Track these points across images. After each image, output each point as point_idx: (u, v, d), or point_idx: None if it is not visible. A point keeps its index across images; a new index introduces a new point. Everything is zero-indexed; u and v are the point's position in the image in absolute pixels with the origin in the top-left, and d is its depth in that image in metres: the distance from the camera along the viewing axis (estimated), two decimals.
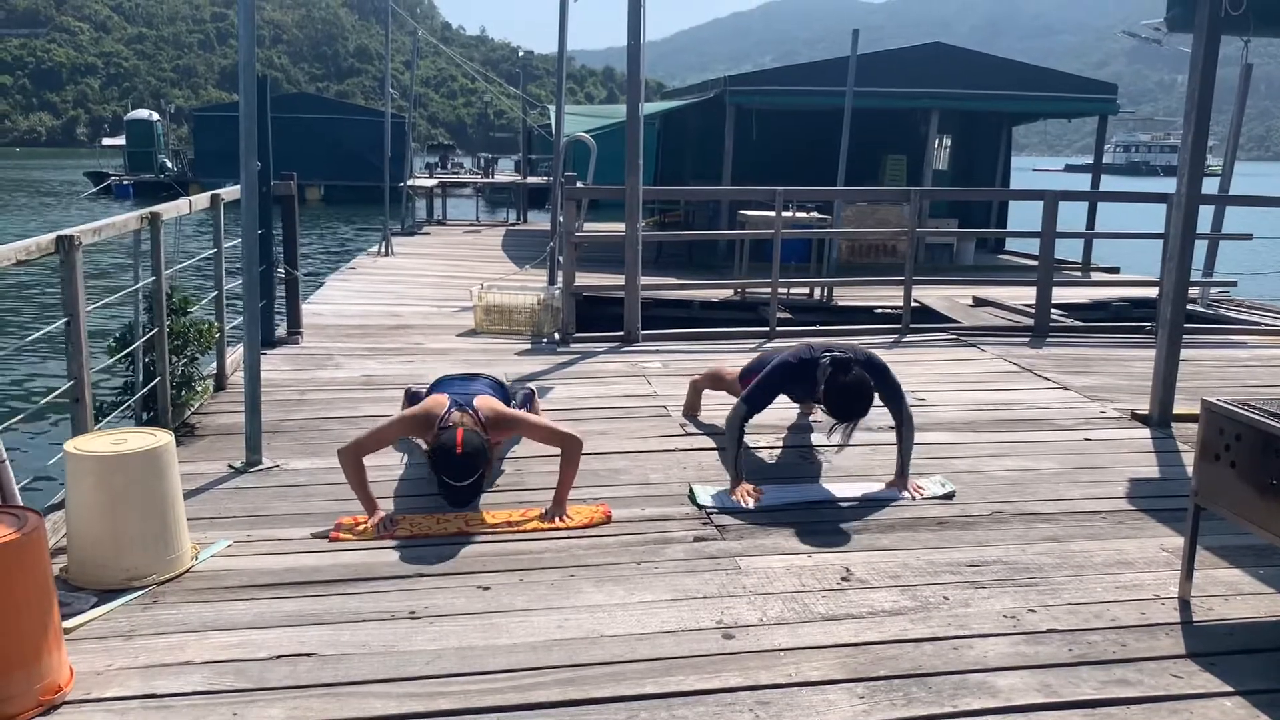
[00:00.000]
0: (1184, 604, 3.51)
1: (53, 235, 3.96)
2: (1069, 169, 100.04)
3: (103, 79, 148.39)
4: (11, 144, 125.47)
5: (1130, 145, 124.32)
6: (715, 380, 5.68)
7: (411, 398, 5.06)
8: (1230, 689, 2.97)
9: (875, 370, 4.59)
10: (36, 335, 4.79)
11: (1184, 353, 6.06)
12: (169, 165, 43.54)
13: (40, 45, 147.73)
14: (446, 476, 4.06)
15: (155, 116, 47.35)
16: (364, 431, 4.30)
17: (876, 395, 4.55)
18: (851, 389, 4.41)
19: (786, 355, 4.80)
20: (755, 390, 4.77)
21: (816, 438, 5.43)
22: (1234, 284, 10.70)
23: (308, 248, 22.38)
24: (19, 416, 4.64)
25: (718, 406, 5.80)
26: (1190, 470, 3.57)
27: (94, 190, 40.16)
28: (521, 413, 4.63)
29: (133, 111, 51.03)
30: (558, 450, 4.32)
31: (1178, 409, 5.80)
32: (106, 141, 56.39)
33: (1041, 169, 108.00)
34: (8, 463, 3.40)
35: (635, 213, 8.00)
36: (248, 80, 4.52)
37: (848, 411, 4.45)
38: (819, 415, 5.60)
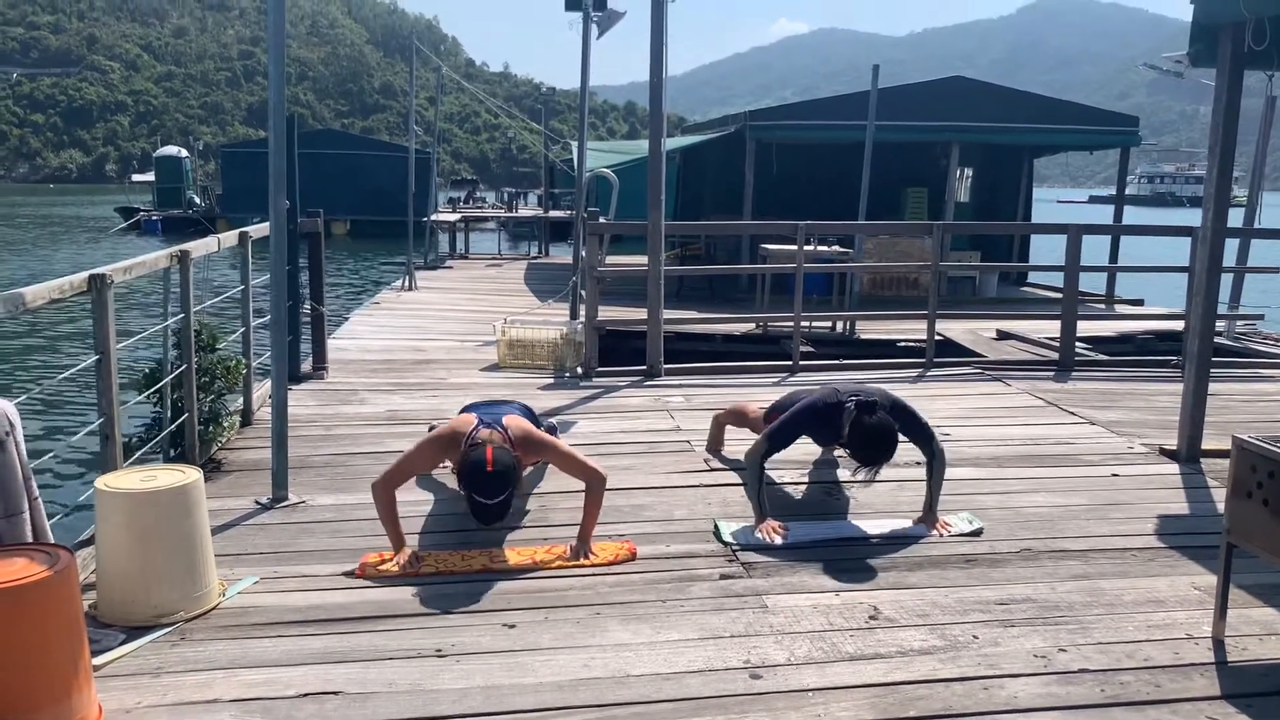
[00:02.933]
0: (1218, 644, 3.46)
1: (85, 274, 4.02)
2: (1093, 200, 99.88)
3: (132, 116, 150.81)
4: (43, 180, 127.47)
5: (1155, 176, 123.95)
6: (739, 418, 5.66)
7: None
8: None
9: (901, 414, 4.58)
10: (67, 373, 4.84)
11: (1211, 386, 6.00)
12: (197, 201, 44.03)
13: (72, 84, 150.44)
14: (476, 494, 4.02)
15: (184, 153, 47.97)
16: (393, 463, 4.29)
17: (904, 437, 4.53)
18: (876, 433, 4.38)
19: (812, 398, 4.78)
20: (778, 430, 4.76)
21: (842, 473, 5.40)
22: (1261, 317, 10.62)
23: (334, 282, 22.56)
24: (51, 453, 4.69)
25: (742, 442, 5.77)
26: (1221, 507, 3.53)
27: (123, 225, 40.68)
28: (550, 438, 4.61)
29: (162, 148, 51.76)
30: (582, 485, 4.31)
31: (1206, 444, 5.74)
32: (136, 178, 57.23)
33: (1066, 200, 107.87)
34: (40, 499, 3.43)
35: (658, 247, 8.03)
36: (277, 120, 4.58)
37: (872, 457, 4.43)
38: (843, 453, 5.59)
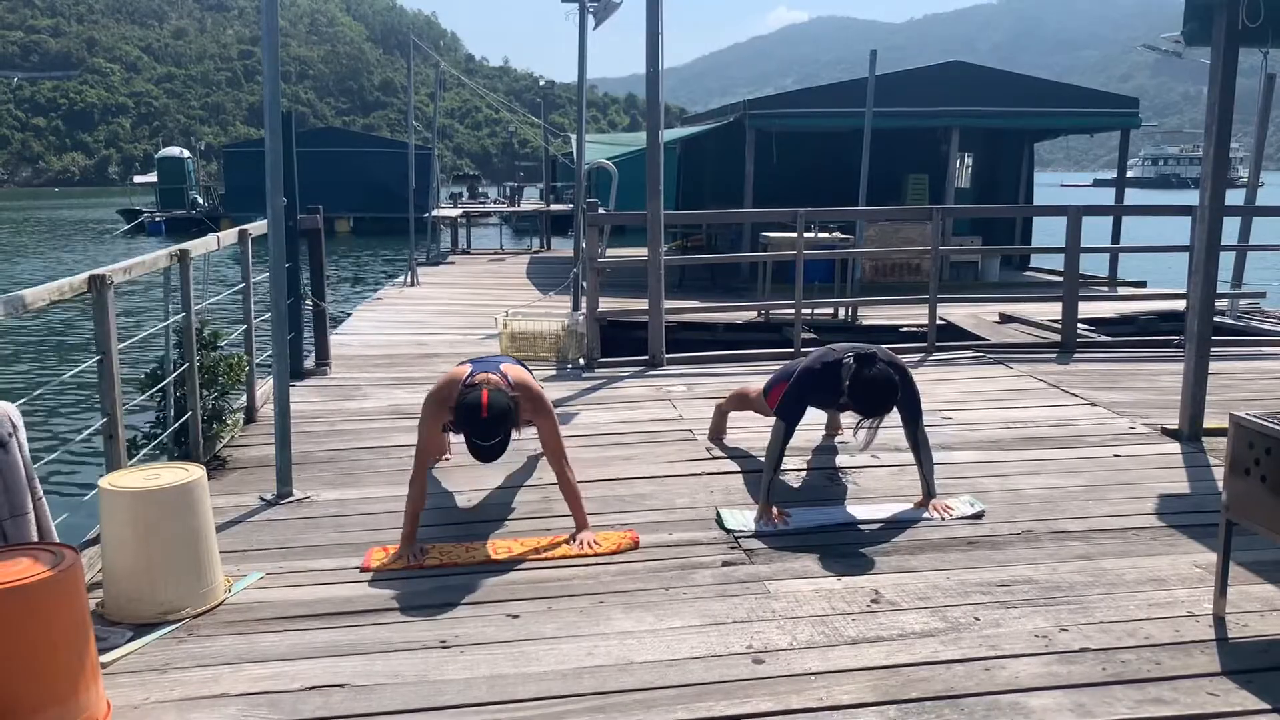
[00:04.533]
0: (1219, 621, 3.48)
1: (85, 275, 4.04)
2: (1097, 183, 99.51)
3: (133, 118, 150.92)
4: (46, 184, 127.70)
5: (1159, 158, 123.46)
6: (740, 401, 5.66)
7: None
8: (1268, 706, 2.93)
9: (898, 370, 4.55)
10: (69, 374, 4.87)
11: (1214, 365, 6.00)
12: (200, 201, 44.10)
13: (72, 87, 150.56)
14: (473, 435, 3.95)
15: (186, 154, 48.04)
16: (416, 452, 4.25)
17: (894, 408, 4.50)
18: (877, 381, 4.35)
19: (808, 362, 4.77)
20: (785, 406, 4.75)
21: (843, 459, 5.42)
22: (1263, 295, 10.60)
23: (336, 279, 22.60)
24: (54, 454, 4.72)
25: (744, 430, 5.82)
26: (1221, 485, 3.54)
27: (127, 227, 40.76)
28: (549, 401, 4.50)
29: (164, 149, 51.82)
30: (580, 477, 4.31)
31: (1208, 423, 5.74)
32: (138, 179, 57.28)
33: (1070, 184, 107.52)
34: (44, 499, 3.46)
35: (657, 237, 8.04)
36: (273, 117, 4.60)
37: (874, 405, 4.40)
38: (846, 436, 5.60)
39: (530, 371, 4.63)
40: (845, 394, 4.46)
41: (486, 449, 3.98)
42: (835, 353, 4.65)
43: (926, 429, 4.72)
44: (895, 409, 4.52)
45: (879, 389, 4.37)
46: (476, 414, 3.93)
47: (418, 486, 4.17)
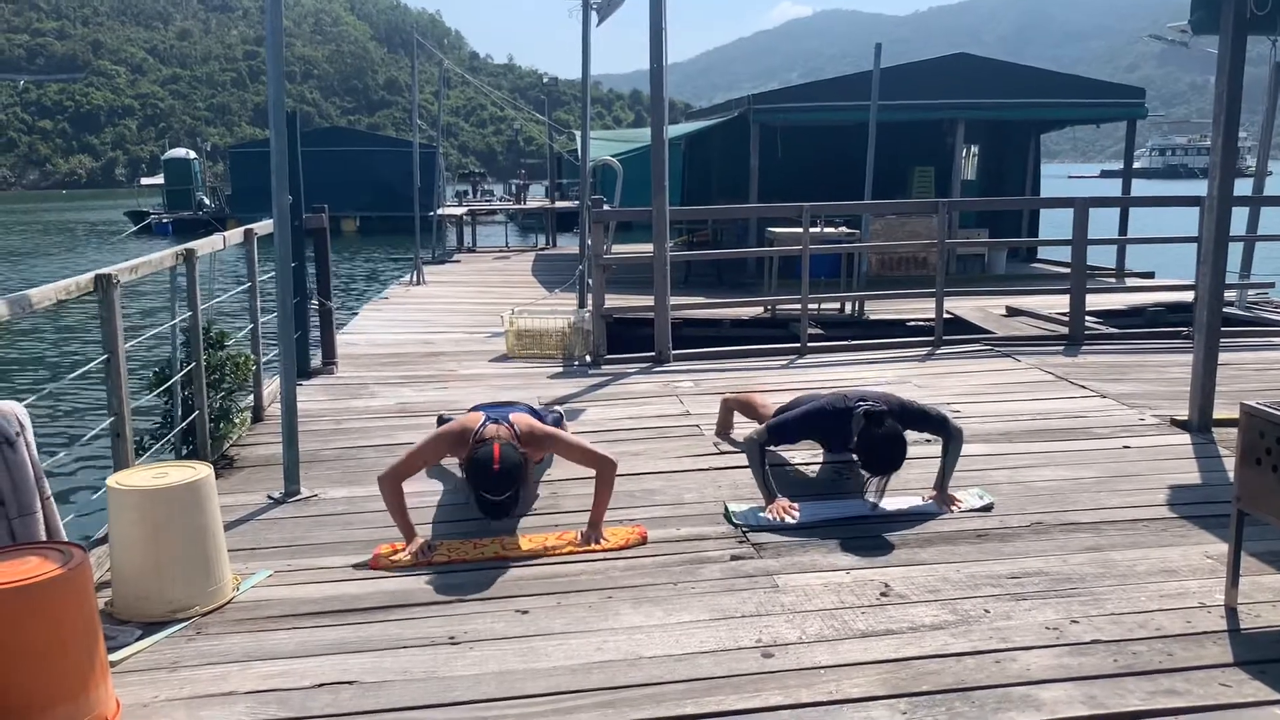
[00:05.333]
0: (1231, 611, 3.46)
1: (91, 274, 4.05)
2: (1105, 174, 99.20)
3: (140, 120, 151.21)
4: (54, 186, 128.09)
5: (1167, 149, 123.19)
6: (748, 409, 5.65)
7: (443, 425, 5.09)
8: None
9: (912, 416, 4.60)
10: (77, 373, 4.88)
11: (1223, 356, 5.98)
12: (207, 202, 44.22)
13: (78, 89, 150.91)
14: (483, 491, 4.04)
15: (192, 155, 48.17)
16: (400, 457, 4.32)
17: (922, 433, 4.54)
18: (885, 442, 4.38)
19: (822, 402, 4.78)
20: (781, 425, 4.78)
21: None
22: (1272, 285, 10.56)
23: (343, 279, 22.62)
24: (62, 453, 4.73)
25: (751, 425, 5.79)
26: (1232, 475, 3.52)
27: (134, 229, 40.88)
28: (557, 431, 4.63)
29: (170, 151, 51.94)
30: (592, 472, 4.33)
31: (1218, 413, 5.72)
32: (145, 181, 57.41)
33: (1077, 175, 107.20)
34: (52, 498, 3.47)
35: (663, 233, 8.03)
36: (277, 116, 4.60)
37: (883, 465, 4.43)
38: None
39: (536, 413, 4.70)
40: (854, 447, 4.51)
41: (496, 504, 4.04)
42: (849, 400, 4.66)
43: (956, 421, 4.74)
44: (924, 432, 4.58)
45: (886, 449, 4.40)
46: (489, 467, 4.00)
47: (391, 485, 4.17)
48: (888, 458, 4.41)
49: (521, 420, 4.36)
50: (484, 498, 4.06)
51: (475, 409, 4.83)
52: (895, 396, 4.73)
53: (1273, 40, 6.01)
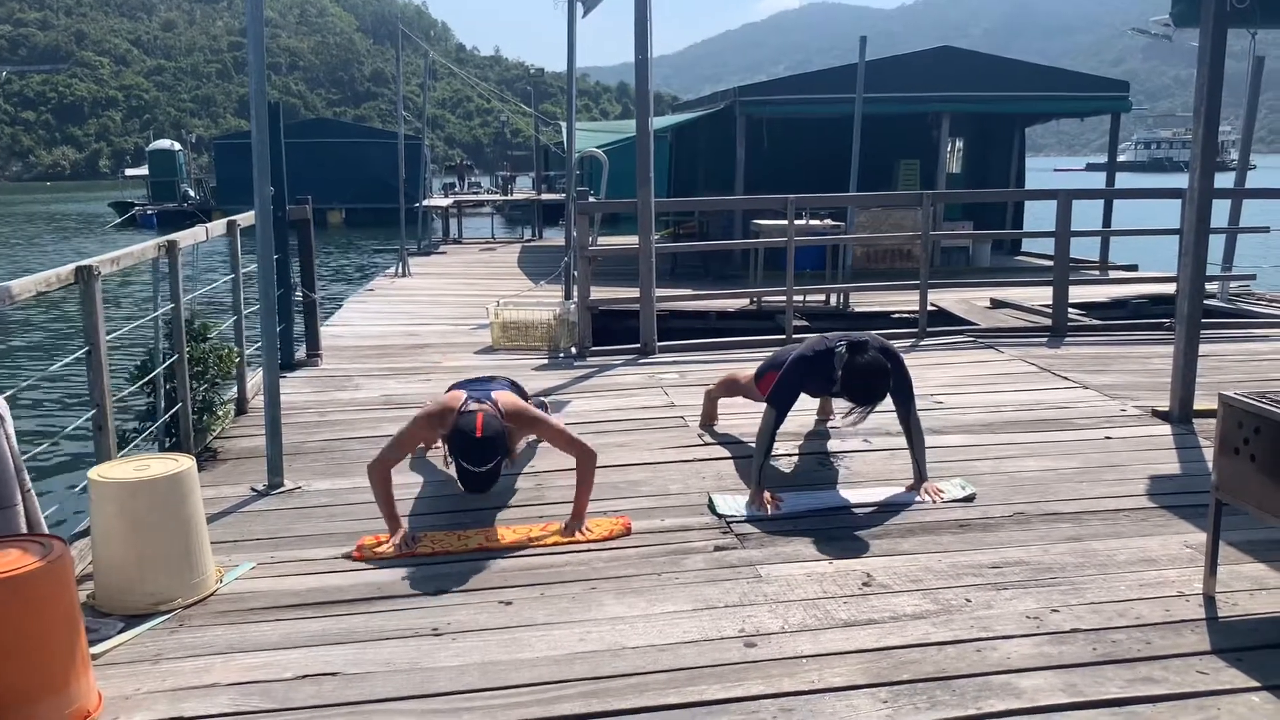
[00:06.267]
0: (1209, 600, 3.49)
1: (72, 266, 4.03)
2: (1090, 168, 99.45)
3: (124, 111, 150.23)
4: (37, 178, 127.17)
5: (1151, 142, 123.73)
6: (730, 387, 5.66)
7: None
8: (1257, 684, 2.94)
9: (890, 356, 4.55)
10: (58, 365, 4.85)
11: (1204, 348, 6.02)
12: (192, 194, 43.95)
13: (62, 80, 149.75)
14: (465, 461, 3.98)
15: (177, 146, 47.84)
16: (386, 444, 4.29)
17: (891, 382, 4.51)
18: (869, 368, 4.35)
19: (801, 349, 4.76)
20: (777, 393, 4.75)
21: (834, 444, 5.42)
22: (1253, 277, 10.62)
23: (328, 271, 22.55)
24: (43, 445, 4.71)
25: (735, 416, 5.82)
26: (1211, 465, 3.55)
27: (119, 221, 40.63)
28: (540, 413, 4.59)
29: (155, 142, 51.60)
30: (573, 461, 4.33)
31: (1199, 404, 5.76)
32: (130, 172, 56.97)
33: (1063, 169, 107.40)
34: (33, 491, 3.45)
35: (648, 225, 8.03)
36: (259, 106, 4.58)
37: (867, 393, 4.40)
38: (836, 420, 5.60)
39: (521, 391, 4.66)
40: (838, 382, 4.46)
41: (478, 475, 3.99)
42: (828, 341, 4.66)
43: (919, 413, 4.74)
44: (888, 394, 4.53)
45: (871, 376, 4.37)
46: (471, 437, 3.96)
47: (381, 474, 4.16)
48: (873, 384, 4.37)
49: (505, 398, 4.32)
50: (466, 469, 3.99)
51: (455, 386, 4.79)
52: (877, 337, 4.68)
53: (1253, 34, 6.04)
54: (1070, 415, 5.99)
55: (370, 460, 4.25)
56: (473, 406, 4.15)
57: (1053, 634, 3.27)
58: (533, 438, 5.03)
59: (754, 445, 4.76)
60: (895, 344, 4.85)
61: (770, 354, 5.39)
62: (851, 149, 12.83)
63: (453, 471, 4.99)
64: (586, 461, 4.29)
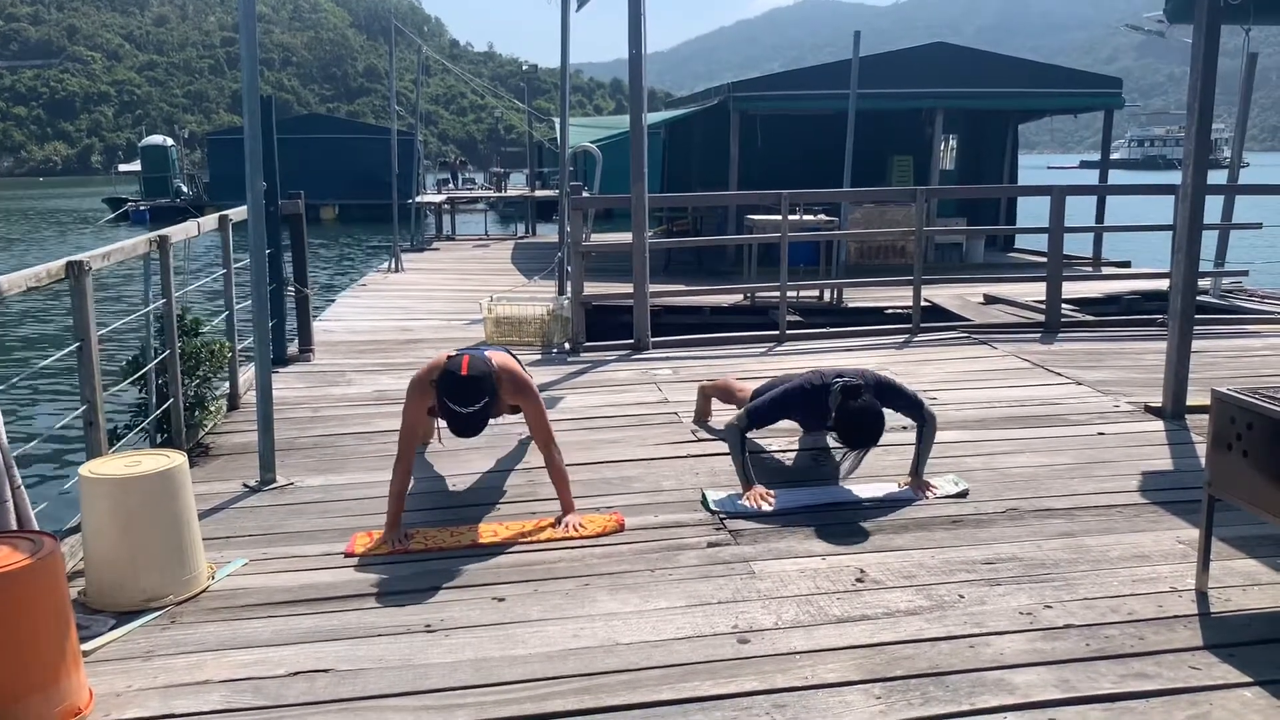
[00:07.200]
0: (1201, 595, 3.49)
1: (63, 261, 4.01)
2: (1084, 165, 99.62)
3: (116, 107, 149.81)
4: (29, 174, 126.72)
5: (1145, 139, 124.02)
6: (726, 395, 5.67)
7: None
8: (1250, 679, 2.94)
9: (887, 391, 4.60)
10: (49, 360, 4.83)
11: (1197, 344, 6.03)
12: (185, 190, 43.82)
13: (54, 75, 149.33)
14: (451, 402, 3.91)
15: (170, 142, 47.68)
16: (399, 439, 4.22)
17: (896, 412, 4.55)
18: (862, 414, 4.38)
19: (799, 381, 4.78)
20: (762, 406, 4.77)
21: (829, 439, 5.42)
22: (1245, 274, 10.63)
23: (321, 266, 22.50)
24: (34, 441, 4.69)
25: (729, 413, 5.79)
26: (1204, 461, 3.55)
27: (112, 216, 40.49)
28: (532, 386, 4.49)
29: (148, 137, 51.41)
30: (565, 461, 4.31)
31: (1191, 400, 5.76)
32: (123, 168, 56.83)
33: (1056, 166, 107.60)
34: (23, 487, 3.43)
35: (642, 221, 8.02)
36: (251, 100, 4.56)
37: (860, 439, 4.44)
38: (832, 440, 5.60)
39: (518, 360, 4.63)
40: (831, 423, 4.51)
41: (466, 416, 3.93)
42: (824, 377, 4.66)
43: (933, 408, 4.77)
44: (899, 412, 4.59)
45: (864, 423, 4.40)
46: (456, 376, 3.91)
47: (403, 468, 4.15)
48: (865, 430, 4.40)
49: (499, 355, 4.28)
50: (453, 410, 3.91)
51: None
52: (871, 372, 4.73)
53: (1247, 30, 6.04)
54: (1063, 411, 5.99)
55: (395, 457, 4.19)
56: (460, 353, 4.11)
57: (1046, 630, 3.27)
58: (525, 434, 5.01)
59: (729, 446, 4.77)
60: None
61: (770, 377, 5.41)
62: (845, 145, 12.82)
63: (445, 470, 4.99)
64: (556, 456, 4.28)
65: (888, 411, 4.56)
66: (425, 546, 4.04)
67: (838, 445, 4.77)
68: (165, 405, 5.15)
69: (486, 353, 4.27)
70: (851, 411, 4.39)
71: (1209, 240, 7.91)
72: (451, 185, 37.41)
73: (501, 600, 3.56)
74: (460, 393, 3.91)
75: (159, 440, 5.11)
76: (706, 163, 16.35)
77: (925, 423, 4.69)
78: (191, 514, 3.68)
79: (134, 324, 5.49)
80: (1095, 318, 9.36)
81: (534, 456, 5.12)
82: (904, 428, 4.91)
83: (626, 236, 8.59)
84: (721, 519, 4.31)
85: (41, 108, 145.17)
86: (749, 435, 4.78)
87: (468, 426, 4.00)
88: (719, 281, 12.02)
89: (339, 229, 35.08)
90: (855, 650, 3.16)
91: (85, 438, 4.13)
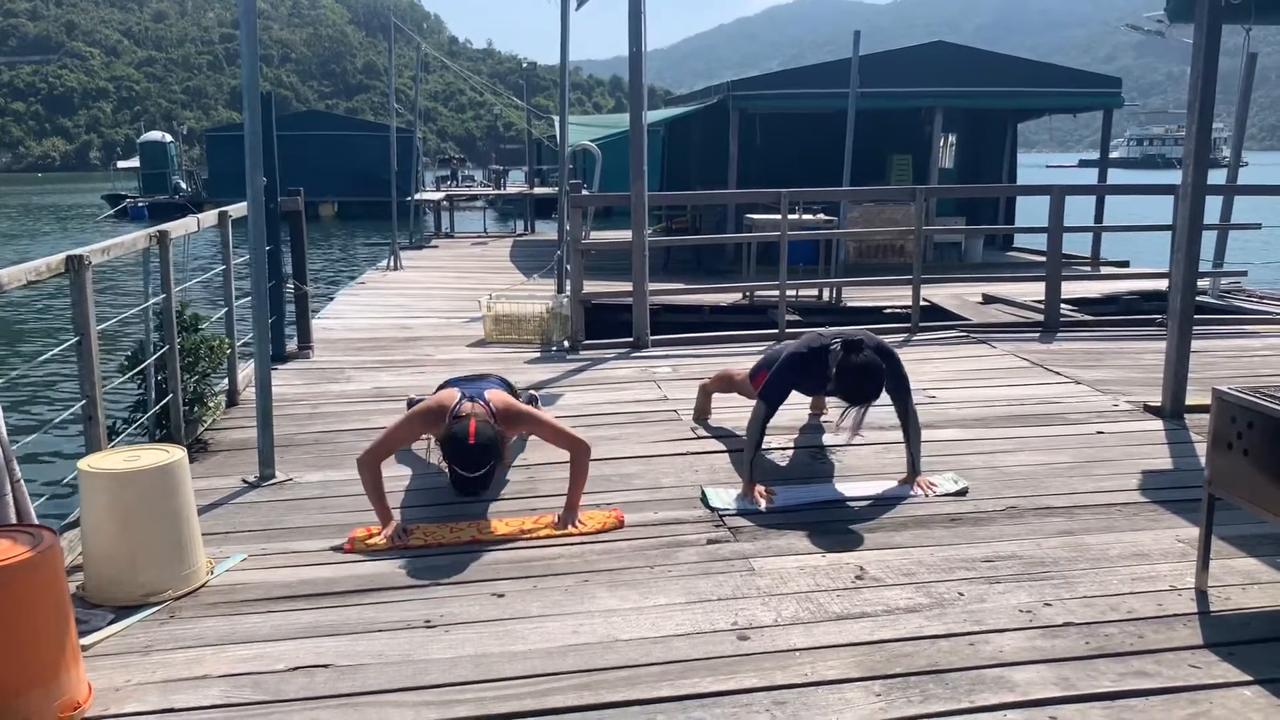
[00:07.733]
0: (1201, 594, 3.49)
1: (62, 255, 4.00)
2: (1083, 164, 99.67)
3: (114, 103, 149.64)
4: (27, 169, 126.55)
5: (1144, 139, 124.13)
6: (725, 382, 5.66)
7: (413, 406, 5.06)
8: (1249, 678, 2.95)
9: (885, 354, 4.54)
10: (48, 354, 4.83)
11: (1196, 344, 6.03)
12: (183, 186, 43.75)
13: (52, 71, 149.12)
14: (459, 467, 4.05)
15: (168, 138, 47.60)
16: (376, 439, 4.29)
17: (885, 393, 4.52)
18: (863, 368, 4.33)
19: (796, 346, 4.75)
20: (770, 387, 4.74)
21: (828, 438, 5.42)
22: (1244, 274, 10.64)
23: (321, 263, 22.48)
24: (33, 435, 4.68)
25: (728, 410, 5.81)
26: (1203, 460, 3.56)
27: (111, 212, 40.44)
28: (532, 409, 4.61)
29: (146, 134, 51.31)
30: (567, 455, 4.32)
31: (1190, 400, 5.77)
32: (121, 164, 56.68)
33: (1055, 165, 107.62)
34: (23, 481, 3.43)
35: (641, 219, 8.01)
36: (251, 96, 4.55)
37: (860, 393, 4.39)
38: (830, 415, 5.60)
39: (513, 389, 4.67)
40: (831, 380, 4.45)
41: (471, 480, 4.07)
42: (822, 338, 4.64)
43: (916, 406, 4.74)
44: (890, 389, 4.53)
45: (865, 376, 4.35)
46: (464, 443, 4.01)
47: (370, 467, 4.15)
48: (865, 385, 4.35)
49: (497, 398, 4.34)
50: (459, 474, 4.06)
51: (447, 384, 4.79)
52: (873, 336, 4.66)
53: (1247, 30, 6.04)
54: (1062, 410, 6.00)
55: (359, 454, 4.23)
56: (466, 408, 4.17)
57: (1045, 628, 3.27)
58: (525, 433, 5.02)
59: (745, 439, 4.75)
60: (888, 339, 4.85)
61: (765, 351, 5.38)
62: (845, 144, 12.82)
63: (434, 458, 5.00)
64: (581, 455, 4.28)
65: (883, 406, 4.55)
66: (425, 542, 4.04)
67: (838, 418, 4.71)
68: (164, 400, 5.15)
69: (487, 393, 4.33)
70: (852, 366, 4.33)
71: (1208, 240, 7.92)
72: (451, 182, 37.40)
73: (501, 596, 3.56)
74: (467, 461, 4.05)
75: (158, 435, 5.11)
76: (706, 161, 16.35)
77: (908, 415, 4.65)
78: (191, 509, 3.68)
79: (133, 319, 5.48)
80: (1094, 317, 9.37)
81: (533, 453, 5.13)
82: (896, 426, 4.89)
83: (626, 235, 8.59)
84: (721, 516, 4.30)
85: (40, 103, 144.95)
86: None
87: (475, 487, 4.15)
88: (718, 280, 12.03)
89: (338, 225, 35.05)
90: (855, 647, 3.16)
91: (84, 432, 4.13)
